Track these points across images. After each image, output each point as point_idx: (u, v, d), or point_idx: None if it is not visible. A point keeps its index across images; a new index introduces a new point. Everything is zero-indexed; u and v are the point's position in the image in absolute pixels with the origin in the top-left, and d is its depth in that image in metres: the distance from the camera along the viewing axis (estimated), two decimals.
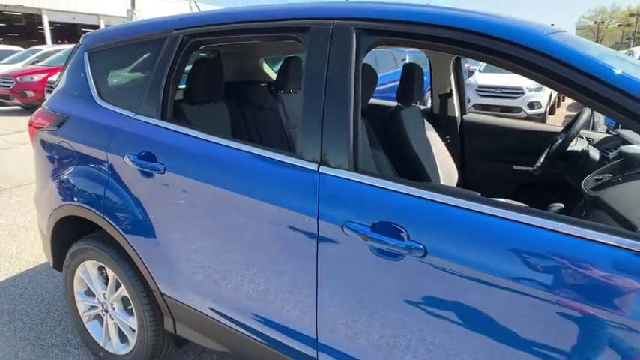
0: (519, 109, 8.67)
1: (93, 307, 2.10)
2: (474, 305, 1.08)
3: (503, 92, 8.77)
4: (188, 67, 1.95)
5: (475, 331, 1.09)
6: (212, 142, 1.54)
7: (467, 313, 1.09)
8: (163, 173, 1.61)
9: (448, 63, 2.60)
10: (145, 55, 1.84)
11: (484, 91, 8.96)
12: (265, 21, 1.51)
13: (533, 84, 8.73)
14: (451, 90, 2.59)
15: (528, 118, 8.52)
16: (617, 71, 1.03)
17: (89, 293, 2.11)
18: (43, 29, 23.63)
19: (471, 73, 10.73)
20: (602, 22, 63.21)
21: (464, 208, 1.10)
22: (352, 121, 1.28)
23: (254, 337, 1.54)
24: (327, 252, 1.28)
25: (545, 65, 1.08)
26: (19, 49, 13.42)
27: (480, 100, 9.01)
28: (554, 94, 9.76)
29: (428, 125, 2.47)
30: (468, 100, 9.35)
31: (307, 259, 1.31)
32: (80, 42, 2.15)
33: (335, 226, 1.24)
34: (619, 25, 59.30)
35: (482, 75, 9.56)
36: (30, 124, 2.21)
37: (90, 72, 2.02)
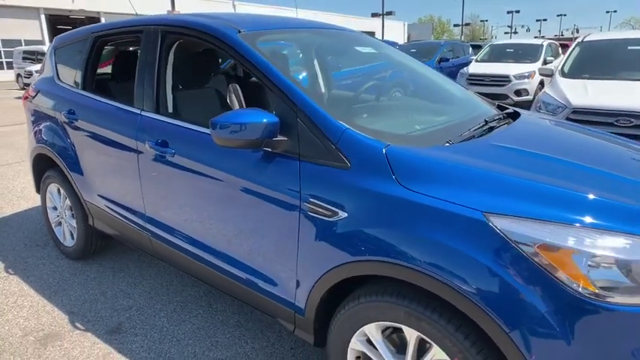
0: (506, 97, 9.05)
1: (57, 216, 3.19)
2: (194, 176, 1.99)
3: (492, 80, 9.19)
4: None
5: (194, 191, 2.01)
6: (100, 100, 2.54)
7: (195, 181, 2.00)
8: (77, 121, 2.64)
9: None
10: (80, 49, 2.87)
11: (474, 79, 9.42)
12: (129, 27, 2.49)
13: (520, 72, 9.08)
14: None
15: (515, 105, 8.88)
16: (283, 74, 1.76)
17: (54, 208, 3.20)
18: None
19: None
20: None
21: (188, 129, 2.01)
22: (156, 84, 2.22)
23: (122, 219, 2.52)
24: (141, 159, 2.23)
25: (232, 53, 1.94)
26: None
27: (471, 89, 9.36)
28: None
29: None
30: None
31: (134, 164, 2.27)
32: (53, 42, 3.24)
33: (142, 144, 2.19)
34: None
35: (474, 64, 9.98)
36: (23, 97, 3.34)
37: (54, 62, 3.10)
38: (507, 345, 1.23)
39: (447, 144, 1.63)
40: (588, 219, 1.23)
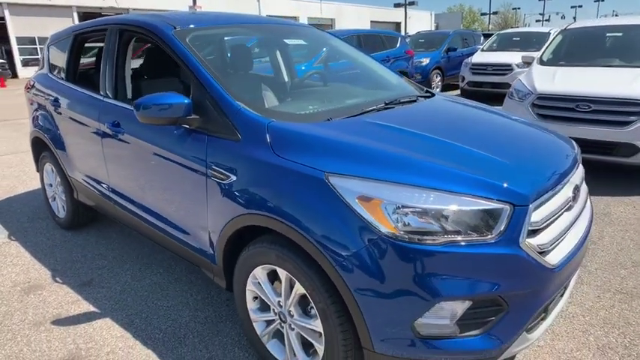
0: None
1: (52, 192, 3.68)
2: (135, 150, 2.37)
3: (494, 69, 9.21)
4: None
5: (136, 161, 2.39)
6: (77, 89, 2.97)
7: (136, 154, 2.38)
8: (60, 107, 3.09)
9: None
10: (66, 46, 3.31)
11: (477, 69, 9.45)
12: (99, 25, 2.90)
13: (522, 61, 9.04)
14: None
15: None
16: (200, 64, 2.15)
17: (50, 185, 3.69)
18: None
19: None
20: None
21: (126, 108, 2.39)
22: (114, 74, 2.61)
23: (95, 190, 2.96)
24: (103, 138, 2.64)
25: (164, 47, 2.29)
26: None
27: (474, 78, 9.51)
28: None
29: None
30: (463, 78, 9.88)
31: (98, 143, 2.69)
32: (48, 40, 3.71)
33: (103, 125, 2.60)
34: None
35: (479, 54, 10.00)
36: (25, 87, 3.83)
37: (48, 57, 3.56)
38: (337, 278, 1.55)
39: (327, 121, 1.94)
40: (402, 177, 1.53)
